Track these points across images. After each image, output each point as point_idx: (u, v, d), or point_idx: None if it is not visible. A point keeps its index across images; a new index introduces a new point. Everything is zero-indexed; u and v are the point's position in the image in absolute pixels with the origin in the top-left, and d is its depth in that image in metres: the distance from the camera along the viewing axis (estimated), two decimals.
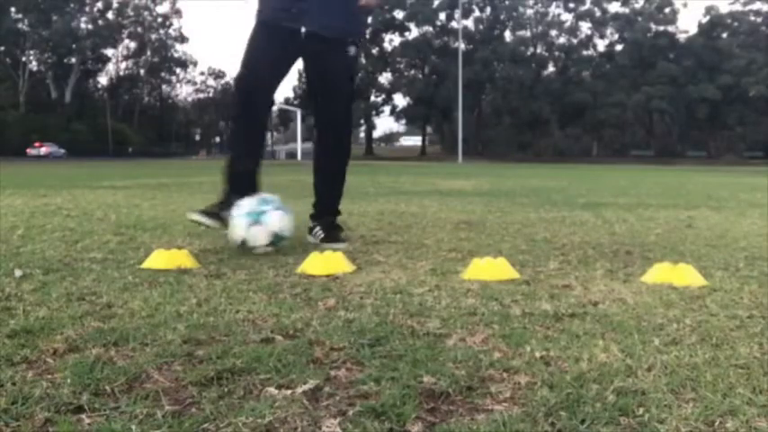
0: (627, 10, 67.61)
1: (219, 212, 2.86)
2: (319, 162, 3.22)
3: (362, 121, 70.87)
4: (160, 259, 2.36)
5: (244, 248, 2.66)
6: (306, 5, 2.92)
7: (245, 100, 2.97)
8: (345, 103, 3.16)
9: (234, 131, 3.18)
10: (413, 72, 73.15)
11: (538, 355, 1.36)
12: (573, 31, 70.23)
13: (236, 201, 2.78)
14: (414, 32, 70.91)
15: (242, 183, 2.97)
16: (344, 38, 3.04)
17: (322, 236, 3.04)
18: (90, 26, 64.78)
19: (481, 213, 4.91)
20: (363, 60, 69.21)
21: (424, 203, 5.81)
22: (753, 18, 65.08)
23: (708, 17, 66.20)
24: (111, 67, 71.97)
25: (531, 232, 3.66)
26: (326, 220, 3.14)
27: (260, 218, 2.64)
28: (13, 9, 57.05)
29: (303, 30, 2.94)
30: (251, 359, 1.30)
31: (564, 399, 1.12)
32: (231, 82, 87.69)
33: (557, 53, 70.26)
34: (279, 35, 2.95)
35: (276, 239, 2.67)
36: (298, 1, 2.92)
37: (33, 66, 62.73)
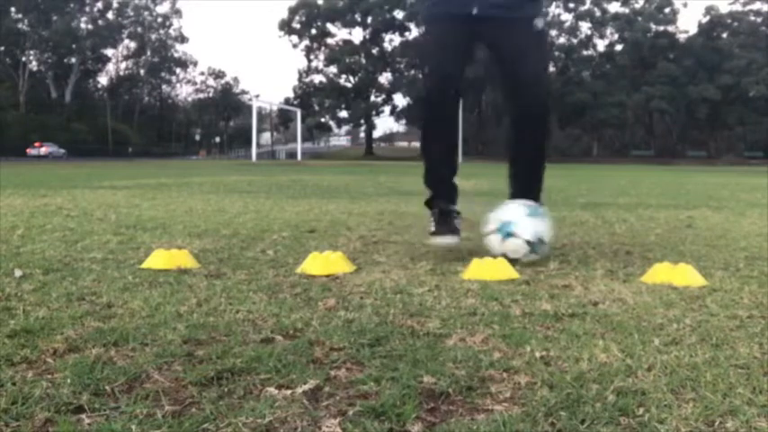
0: (627, 10, 67.56)
1: (449, 226, 2.73)
2: (518, 150, 2.93)
3: (362, 122, 70.95)
4: (160, 259, 2.36)
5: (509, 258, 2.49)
6: None
7: (434, 101, 2.79)
8: (539, 81, 2.86)
9: (427, 136, 2.90)
10: (413, 72, 73.09)
11: (538, 355, 1.36)
12: (573, 31, 70.19)
13: (448, 207, 2.72)
14: (414, 32, 70.84)
15: (445, 187, 2.87)
16: (523, 14, 2.76)
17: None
18: (90, 26, 64.80)
19: (481, 213, 4.91)
20: (363, 60, 69.27)
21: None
22: (753, 18, 65.09)
23: (708, 17, 66.23)
24: (111, 67, 72.08)
25: None
26: None
27: (511, 229, 2.52)
28: (13, 9, 57.05)
29: (474, 12, 2.70)
30: (251, 359, 1.30)
31: (564, 399, 1.12)
32: (230, 82, 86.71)
33: (557, 53, 70.20)
34: (450, 24, 2.77)
35: (534, 247, 2.53)
36: None
37: (33, 66, 62.75)
